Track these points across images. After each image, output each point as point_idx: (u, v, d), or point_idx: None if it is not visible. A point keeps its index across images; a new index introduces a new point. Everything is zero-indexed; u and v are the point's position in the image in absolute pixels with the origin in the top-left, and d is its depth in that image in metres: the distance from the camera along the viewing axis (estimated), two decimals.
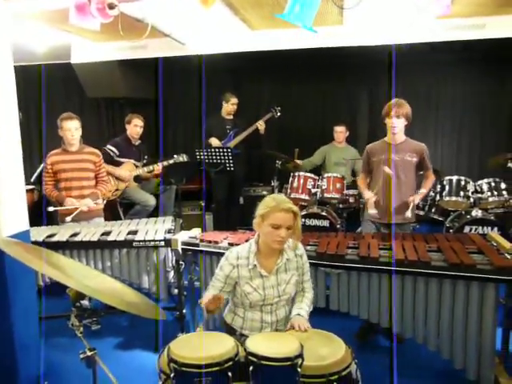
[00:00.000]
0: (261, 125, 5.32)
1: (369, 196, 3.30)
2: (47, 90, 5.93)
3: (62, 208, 3.64)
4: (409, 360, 2.89)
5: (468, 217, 4.17)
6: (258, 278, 2.16)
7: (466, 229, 4.11)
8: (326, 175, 4.68)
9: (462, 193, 4.30)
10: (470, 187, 4.31)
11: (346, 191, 4.62)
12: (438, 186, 4.44)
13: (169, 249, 3.21)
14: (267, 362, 1.67)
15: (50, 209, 3.64)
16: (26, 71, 5.70)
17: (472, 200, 4.28)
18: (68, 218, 3.56)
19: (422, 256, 2.51)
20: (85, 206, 3.62)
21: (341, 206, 4.80)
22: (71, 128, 3.63)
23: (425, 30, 4.17)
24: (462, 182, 4.34)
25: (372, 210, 3.24)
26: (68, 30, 4.28)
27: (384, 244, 2.78)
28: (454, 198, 4.30)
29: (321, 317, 2.45)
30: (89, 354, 1.68)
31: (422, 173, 3.42)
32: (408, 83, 5.56)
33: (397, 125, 3.20)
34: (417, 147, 3.29)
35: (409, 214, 3.18)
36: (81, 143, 3.79)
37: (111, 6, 2.86)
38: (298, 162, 5.20)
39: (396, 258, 2.51)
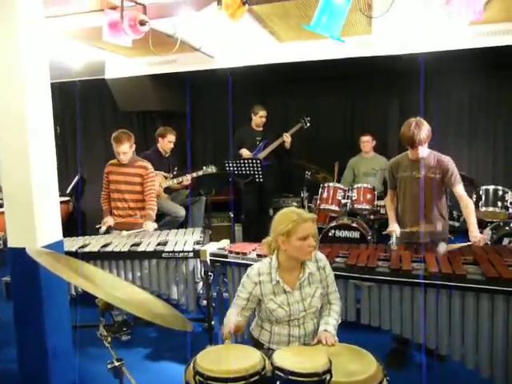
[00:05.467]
0: (287, 137, 5.29)
1: (393, 229, 3.10)
2: (82, 104, 6.14)
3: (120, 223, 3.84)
4: (447, 378, 2.77)
5: (507, 228, 3.99)
6: (281, 293, 2.13)
7: (505, 241, 3.94)
8: (355, 186, 4.61)
9: (499, 203, 4.12)
10: (509, 197, 4.13)
11: (376, 202, 4.52)
12: (474, 196, 4.27)
13: (198, 260, 3.23)
14: (294, 377, 1.63)
15: (102, 230, 3.83)
16: (62, 87, 5.93)
17: (511, 210, 4.10)
18: (102, 229, 3.82)
19: (457, 269, 2.42)
20: (151, 228, 3.72)
21: (371, 217, 4.71)
22: (119, 152, 3.79)
23: (456, 37, 4.08)
24: (500, 192, 4.16)
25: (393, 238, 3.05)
26: (102, 46, 4.44)
27: (417, 256, 2.69)
28: (490, 209, 4.13)
29: (351, 331, 2.39)
30: (116, 364, 1.69)
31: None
32: (439, 91, 5.43)
33: (422, 153, 2.97)
34: (440, 162, 3.01)
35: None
36: (134, 156, 3.90)
37: (142, 23, 2.95)
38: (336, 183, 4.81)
39: (430, 270, 2.43)
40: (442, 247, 2.60)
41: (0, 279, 4.50)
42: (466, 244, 2.82)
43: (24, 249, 2.00)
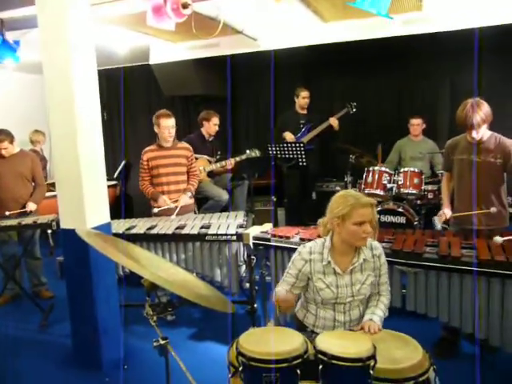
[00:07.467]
0: (334, 121, 5.20)
1: (446, 213, 2.99)
2: (128, 90, 6.28)
3: (165, 208, 3.73)
4: (498, 371, 2.66)
5: None
6: (331, 274, 2.11)
7: None
8: (402, 170, 4.45)
9: None
10: None
11: (424, 186, 4.36)
12: None
13: (241, 243, 3.25)
14: (337, 362, 1.61)
15: (155, 210, 3.76)
16: (109, 73, 6.09)
17: None
18: (155, 210, 3.76)
19: (511, 256, 2.29)
20: (183, 203, 3.76)
21: (418, 202, 4.54)
22: (169, 126, 3.77)
23: None
24: None
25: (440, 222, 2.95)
26: (146, 32, 4.49)
27: (467, 243, 2.58)
28: None
29: (396, 318, 2.33)
30: (161, 342, 1.72)
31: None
32: (497, 70, 5.11)
33: (478, 136, 2.80)
34: (503, 147, 2.81)
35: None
36: (174, 139, 3.94)
37: (185, 6, 2.95)
38: (382, 167, 4.58)
39: (481, 258, 2.32)
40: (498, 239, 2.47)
41: (55, 259, 4.74)
42: None
43: (74, 230, 2.08)
